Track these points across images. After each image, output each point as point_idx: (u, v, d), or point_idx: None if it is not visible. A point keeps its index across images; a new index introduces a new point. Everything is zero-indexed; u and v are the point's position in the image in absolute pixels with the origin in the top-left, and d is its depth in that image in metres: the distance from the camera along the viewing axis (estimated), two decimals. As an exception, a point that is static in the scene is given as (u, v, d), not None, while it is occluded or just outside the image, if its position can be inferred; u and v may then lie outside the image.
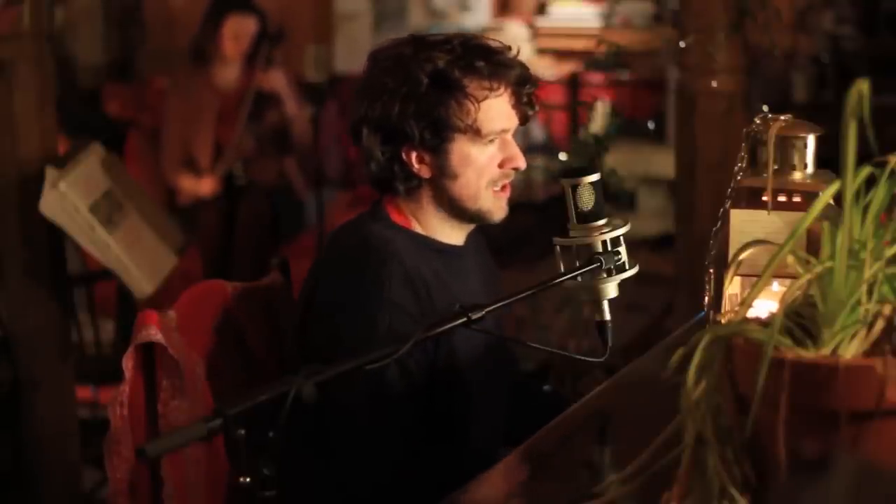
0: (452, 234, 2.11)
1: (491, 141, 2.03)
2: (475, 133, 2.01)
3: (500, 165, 2.05)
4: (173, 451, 1.90)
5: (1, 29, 3.13)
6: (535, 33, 6.60)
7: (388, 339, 1.89)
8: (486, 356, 2.09)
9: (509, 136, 2.06)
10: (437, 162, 2.03)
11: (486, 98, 2.00)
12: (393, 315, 1.95)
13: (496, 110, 2.02)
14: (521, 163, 2.06)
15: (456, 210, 2.07)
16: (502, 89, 2.03)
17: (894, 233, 1.38)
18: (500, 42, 2.08)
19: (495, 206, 2.07)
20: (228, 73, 4.83)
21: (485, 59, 2.01)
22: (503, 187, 2.07)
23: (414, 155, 2.03)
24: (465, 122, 2.00)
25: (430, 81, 1.99)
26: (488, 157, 2.04)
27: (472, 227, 2.13)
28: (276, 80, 4.92)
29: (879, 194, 1.38)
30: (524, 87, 2.06)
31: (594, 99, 3.47)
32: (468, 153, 2.02)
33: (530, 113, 2.09)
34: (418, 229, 2.08)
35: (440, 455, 2.04)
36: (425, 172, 2.04)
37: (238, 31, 4.77)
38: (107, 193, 3.38)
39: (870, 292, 1.34)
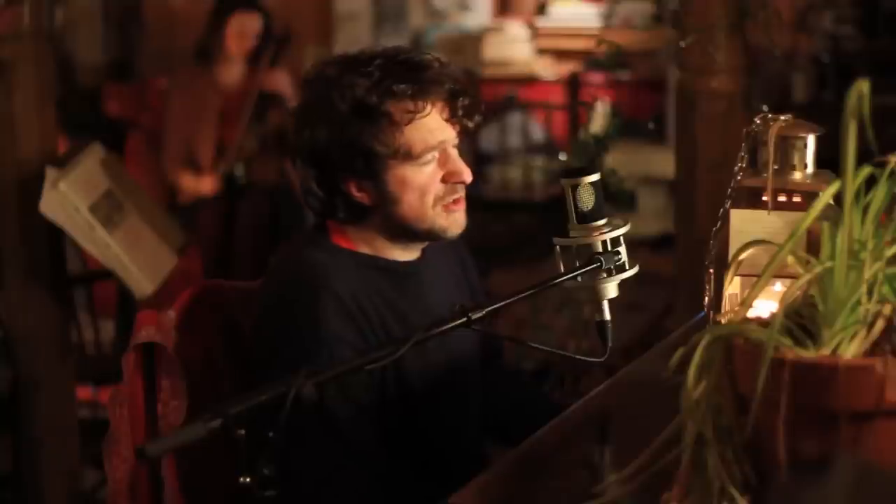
0: (405, 252, 2.06)
1: (427, 161, 1.97)
2: (406, 156, 1.95)
3: (444, 180, 1.99)
4: (173, 451, 1.90)
5: (1, 29, 3.13)
6: (535, 33, 6.60)
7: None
8: (444, 364, 2.05)
9: (451, 150, 1.99)
10: (376, 188, 1.97)
11: (410, 121, 1.93)
12: (333, 347, 1.90)
13: (426, 129, 1.95)
14: (466, 176, 1.99)
15: (406, 232, 2.01)
16: (429, 107, 1.95)
17: (894, 233, 1.38)
18: (430, 55, 2.00)
19: (448, 222, 2.01)
20: (232, 72, 4.83)
21: (406, 80, 1.93)
22: (455, 201, 2.00)
23: (353, 184, 1.97)
24: (391, 148, 1.93)
25: (350, 110, 1.92)
26: (427, 176, 1.97)
27: (426, 243, 2.07)
28: (280, 81, 4.92)
29: (879, 194, 1.38)
30: (457, 99, 1.98)
31: (594, 99, 3.47)
32: (404, 176, 1.96)
33: (470, 124, 2.01)
34: (364, 250, 2.02)
35: (416, 469, 2.02)
36: (367, 200, 1.98)
37: (243, 28, 4.78)
38: (107, 193, 3.38)
39: (870, 292, 1.34)
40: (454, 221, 2.02)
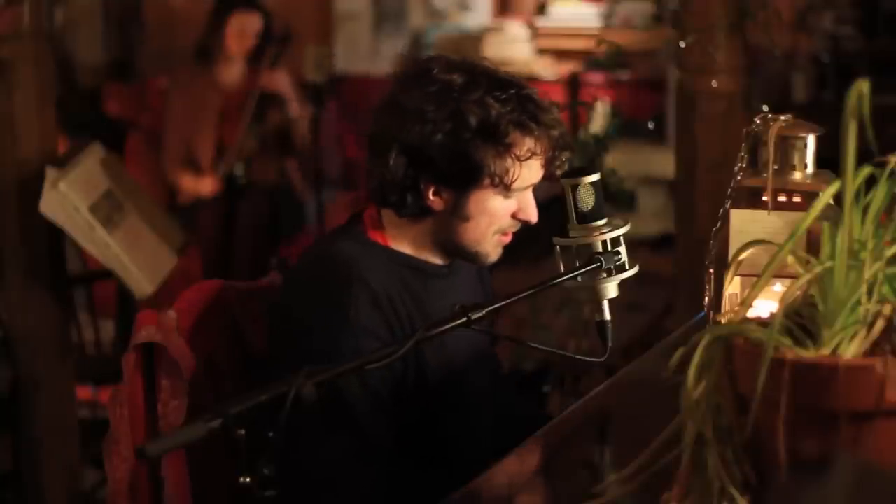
0: (438, 258, 2.07)
1: (512, 196, 1.99)
2: (502, 186, 1.96)
3: (512, 215, 2.01)
4: (173, 451, 1.90)
5: (1, 29, 3.13)
6: (535, 33, 6.59)
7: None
8: (463, 361, 2.06)
9: (529, 190, 2.02)
10: (453, 200, 1.98)
11: (528, 159, 1.96)
12: (360, 338, 1.91)
13: (531, 169, 1.98)
14: (534, 217, 2.01)
15: (454, 246, 2.03)
16: (543, 152, 1.98)
17: (894, 233, 1.38)
18: (547, 100, 2.02)
19: (494, 252, 2.04)
20: (232, 72, 4.83)
21: (536, 120, 1.96)
22: (507, 234, 2.03)
23: (432, 188, 1.97)
24: (497, 175, 1.95)
25: (478, 126, 1.93)
26: (505, 207, 1.99)
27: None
28: (280, 81, 4.93)
29: (879, 194, 1.38)
30: (562, 151, 2.01)
31: (594, 99, 3.47)
32: (487, 201, 1.98)
33: (558, 173, 2.03)
34: (398, 248, 2.03)
35: (427, 465, 2.03)
36: (437, 206, 1.99)
37: (243, 28, 4.78)
38: (107, 193, 3.38)
39: (870, 292, 1.34)
40: (497, 252, 2.05)
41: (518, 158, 1.95)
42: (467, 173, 1.95)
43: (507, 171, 1.95)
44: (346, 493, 1.93)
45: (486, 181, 1.96)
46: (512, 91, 1.97)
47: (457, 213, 1.99)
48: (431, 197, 1.98)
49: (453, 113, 1.93)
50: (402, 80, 2.02)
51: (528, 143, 1.96)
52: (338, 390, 1.86)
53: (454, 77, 1.96)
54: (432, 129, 1.93)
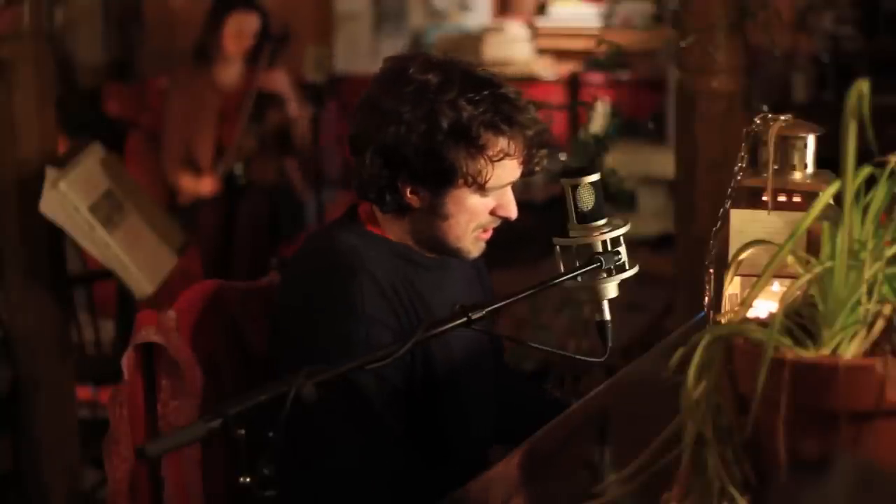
0: (428, 252, 2.07)
1: (489, 194, 2.00)
2: (477, 185, 1.97)
3: (492, 212, 2.01)
4: (173, 451, 1.90)
5: (1, 29, 3.13)
6: (535, 33, 6.59)
7: (366, 352, 1.84)
8: (466, 359, 2.07)
9: (508, 187, 2.02)
10: (430, 199, 1.99)
11: (501, 159, 1.96)
12: (370, 328, 1.91)
13: (506, 168, 1.98)
14: (513, 213, 2.02)
15: (435, 243, 2.04)
16: (518, 152, 1.98)
17: (894, 233, 1.38)
18: (524, 99, 2.02)
19: (475, 248, 2.04)
20: (230, 73, 4.83)
21: (509, 121, 1.95)
22: (487, 230, 2.04)
23: (409, 187, 1.98)
24: (472, 175, 1.95)
25: (450, 128, 1.93)
26: (483, 205, 2.00)
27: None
28: (279, 81, 4.93)
29: (879, 194, 1.38)
30: (538, 150, 2.01)
31: (594, 99, 3.48)
32: (465, 200, 1.98)
33: (537, 170, 2.04)
34: (395, 240, 2.04)
35: (427, 461, 2.03)
36: (415, 203, 2.00)
37: (240, 28, 4.78)
38: (107, 193, 3.38)
39: (870, 292, 1.34)
40: (479, 248, 2.06)
41: (491, 159, 1.96)
42: (441, 174, 1.96)
43: (479, 172, 1.96)
44: (360, 487, 1.93)
45: (461, 181, 1.96)
46: (486, 91, 1.96)
47: (435, 211, 2.00)
48: (409, 195, 1.99)
49: (427, 114, 1.94)
50: (380, 80, 2.02)
51: (501, 144, 1.96)
52: (352, 385, 1.86)
53: (430, 77, 1.96)
54: (407, 129, 1.94)
